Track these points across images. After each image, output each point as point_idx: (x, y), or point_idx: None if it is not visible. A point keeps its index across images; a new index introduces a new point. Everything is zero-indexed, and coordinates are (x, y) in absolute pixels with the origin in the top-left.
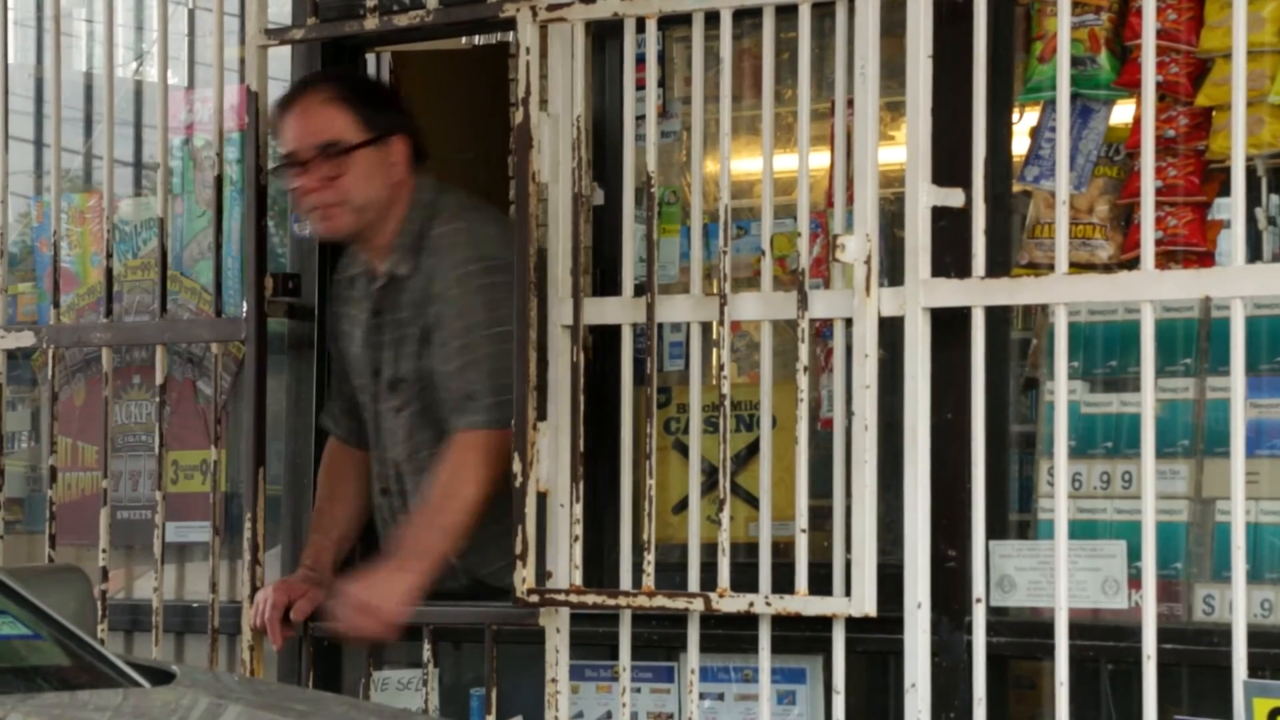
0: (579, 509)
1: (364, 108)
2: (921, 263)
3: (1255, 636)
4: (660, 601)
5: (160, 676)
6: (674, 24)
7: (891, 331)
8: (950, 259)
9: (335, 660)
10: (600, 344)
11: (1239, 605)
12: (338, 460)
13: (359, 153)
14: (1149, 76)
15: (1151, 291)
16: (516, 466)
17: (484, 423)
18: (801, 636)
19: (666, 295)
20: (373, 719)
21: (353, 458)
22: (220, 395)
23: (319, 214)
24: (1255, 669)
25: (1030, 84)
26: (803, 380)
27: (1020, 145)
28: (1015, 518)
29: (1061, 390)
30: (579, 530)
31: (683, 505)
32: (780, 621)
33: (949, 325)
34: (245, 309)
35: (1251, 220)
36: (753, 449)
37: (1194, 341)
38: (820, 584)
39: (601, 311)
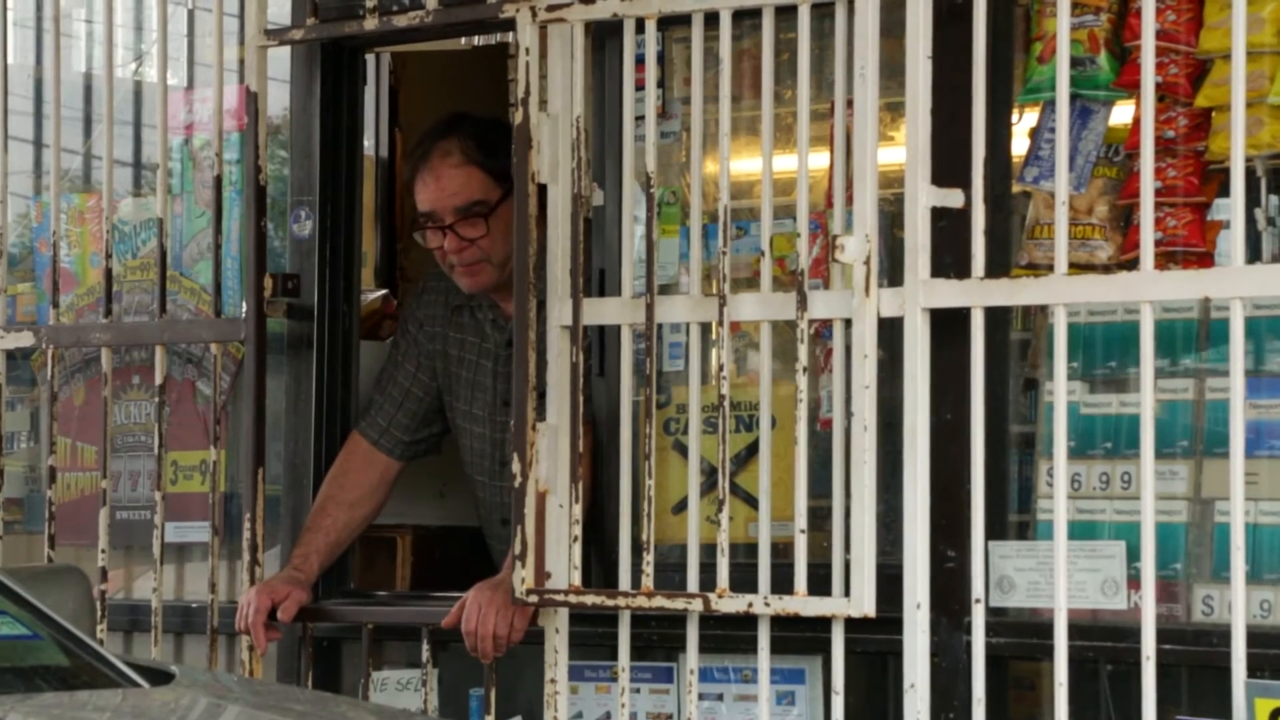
0: (578, 509)
1: (497, 163)
2: (921, 263)
3: (1254, 637)
4: (659, 602)
5: (159, 677)
6: (673, 24)
7: (891, 332)
8: (950, 259)
9: (335, 660)
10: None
11: (1238, 606)
12: (361, 466)
13: (501, 208)
14: (1148, 77)
15: (1151, 292)
16: (516, 467)
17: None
18: (801, 637)
19: (666, 296)
20: (372, 719)
21: (380, 468)
22: (219, 395)
23: (462, 270)
24: (1254, 669)
25: (1030, 85)
26: (802, 381)
27: (1020, 146)
28: (1014, 518)
29: (1061, 391)
30: (578, 531)
31: (682, 505)
32: (779, 622)
33: (948, 326)
34: (244, 309)
35: (1251, 221)
36: (752, 449)
37: (1193, 342)
38: (819, 584)
39: (601, 312)
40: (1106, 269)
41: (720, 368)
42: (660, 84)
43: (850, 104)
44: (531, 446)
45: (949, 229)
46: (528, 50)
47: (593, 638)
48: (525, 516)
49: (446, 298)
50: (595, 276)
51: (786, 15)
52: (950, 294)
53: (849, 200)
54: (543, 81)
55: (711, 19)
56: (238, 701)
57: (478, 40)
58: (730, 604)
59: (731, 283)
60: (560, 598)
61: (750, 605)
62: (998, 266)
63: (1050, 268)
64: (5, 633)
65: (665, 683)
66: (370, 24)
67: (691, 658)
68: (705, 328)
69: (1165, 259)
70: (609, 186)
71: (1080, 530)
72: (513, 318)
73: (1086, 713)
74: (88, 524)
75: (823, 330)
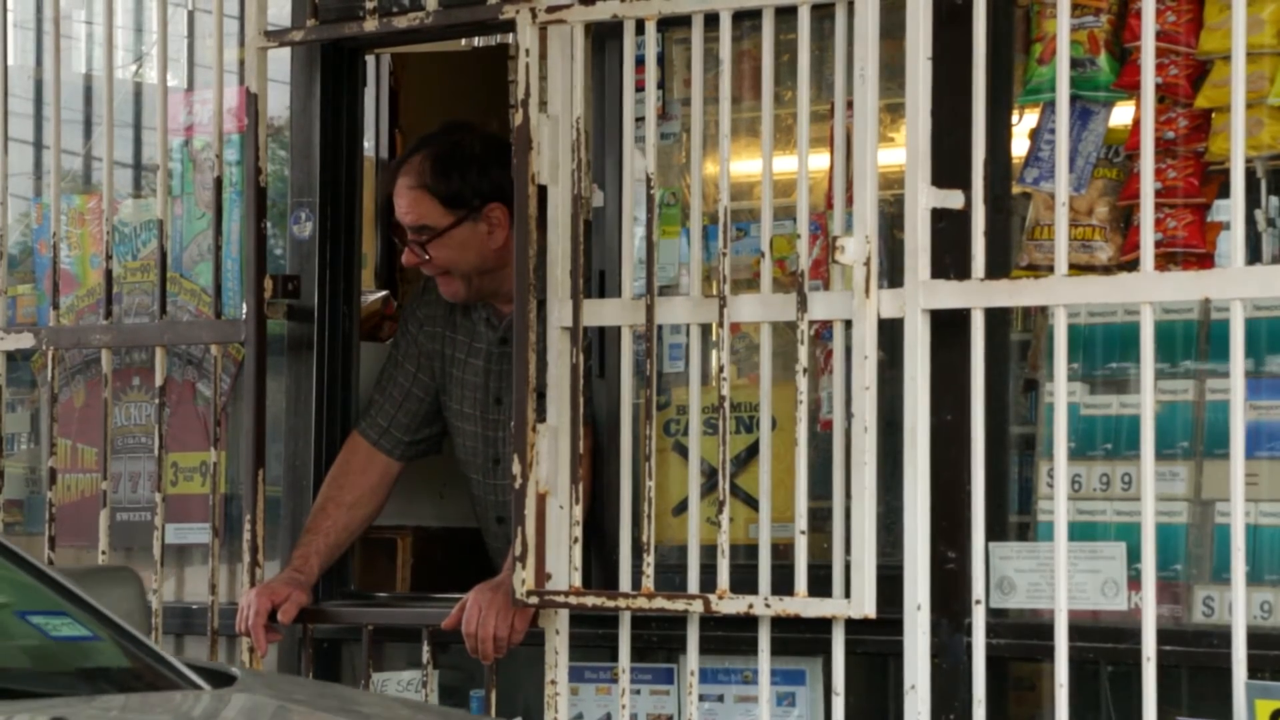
0: (578, 510)
1: (449, 188)
2: (921, 264)
3: (1255, 638)
4: (660, 603)
5: (220, 679)
6: (673, 26)
7: (891, 333)
8: (950, 260)
9: (335, 662)
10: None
11: (1239, 607)
12: (361, 467)
13: (449, 233)
14: (1148, 78)
15: (1151, 293)
16: (516, 468)
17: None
18: (801, 638)
19: (666, 297)
20: None
21: (380, 469)
22: (220, 397)
23: (436, 281)
24: (1255, 671)
25: (1030, 86)
26: (802, 382)
27: (1020, 147)
28: (1015, 519)
29: (1061, 392)
30: (578, 532)
31: (682, 507)
32: (780, 623)
33: (949, 327)
34: (245, 311)
35: (1251, 222)
36: (752, 450)
37: (1193, 343)
38: (820, 585)
39: (601, 313)
40: (1107, 270)
41: (720, 369)
42: (660, 85)
43: (850, 105)
44: (532, 448)
45: (949, 230)
46: (528, 51)
47: (593, 639)
48: (525, 518)
49: (440, 302)
50: (595, 278)
51: (786, 16)
52: (950, 295)
53: (849, 201)
54: (543, 83)
55: (711, 20)
56: (304, 704)
57: (478, 41)
58: (731, 605)
59: (732, 284)
60: (560, 599)
61: (751, 606)
62: (998, 268)
63: (1050, 269)
64: (67, 634)
65: (666, 684)
66: (370, 25)
67: (692, 659)
68: (705, 329)
69: (1165, 260)
70: (609, 188)
71: (1080, 531)
72: (509, 317)
73: (1087, 714)
74: (87, 525)
75: (823, 331)
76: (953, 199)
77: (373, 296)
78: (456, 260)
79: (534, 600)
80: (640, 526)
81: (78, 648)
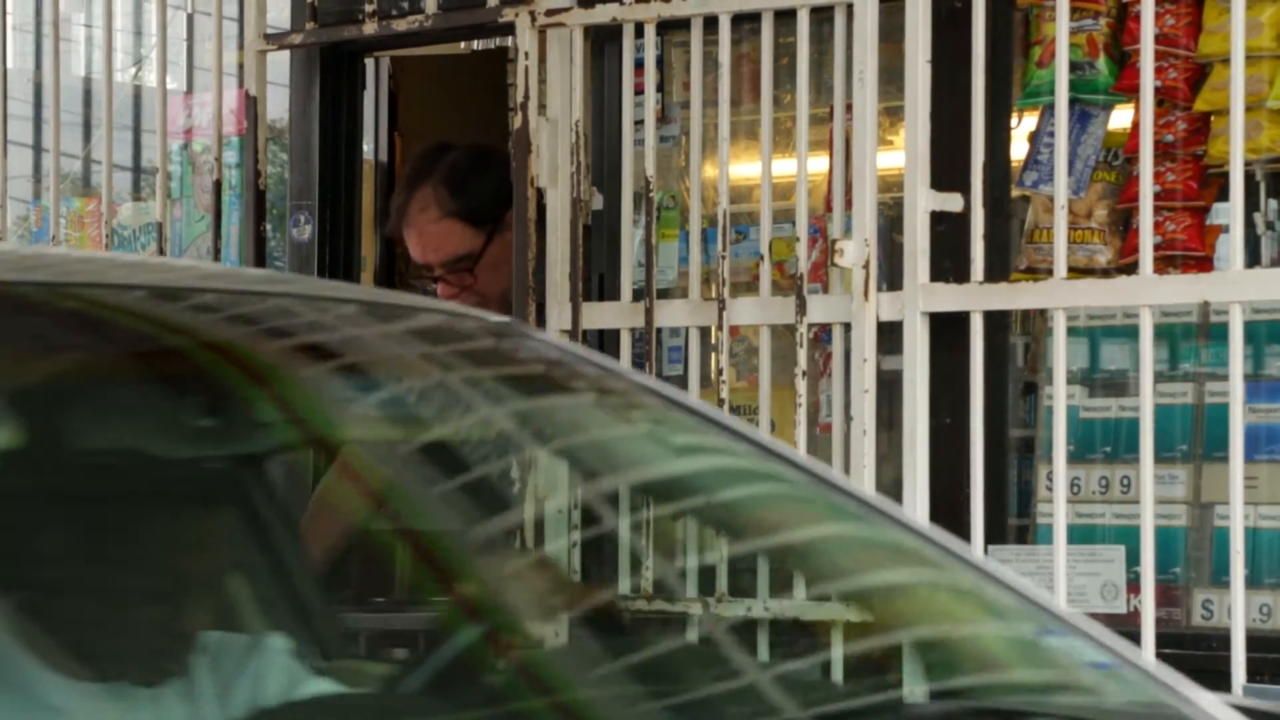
0: (577, 513)
1: (471, 204)
2: (920, 267)
3: (1254, 641)
4: (659, 605)
5: None
6: (672, 29)
7: (890, 336)
8: (949, 264)
9: None
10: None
11: (1238, 610)
12: None
13: (486, 253)
14: (1147, 81)
15: (1150, 296)
16: None
17: None
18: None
19: (665, 300)
20: None
21: None
22: None
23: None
24: (1254, 674)
25: (1029, 89)
26: (801, 385)
27: (1019, 150)
28: (1014, 522)
29: (1060, 395)
30: (577, 535)
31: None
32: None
33: (948, 330)
34: None
35: (1250, 225)
36: None
37: (1193, 346)
38: None
39: (600, 316)
40: (1106, 273)
41: (719, 371)
42: (659, 88)
43: (849, 108)
44: None
45: (948, 233)
46: (527, 55)
47: None
48: None
49: None
50: (594, 281)
51: (785, 20)
52: (949, 298)
53: (848, 204)
54: (542, 86)
55: (710, 23)
56: None
57: (477, 45)
58: (729, 608)
59: (731, 287)
60: None
61: (749, 610)
62: (997, 270)
63: (1049, 272)
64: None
65: None
66: (369, 28)
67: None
68: (704, 332)
69: (1164, 263)
70: (608, 191)
71: (1080, 534)
72: None
73: None
74: None
75: (822, 334)
76: (952, 202)
77: None
78: (496, 282)
79: None
80: (639, 528)
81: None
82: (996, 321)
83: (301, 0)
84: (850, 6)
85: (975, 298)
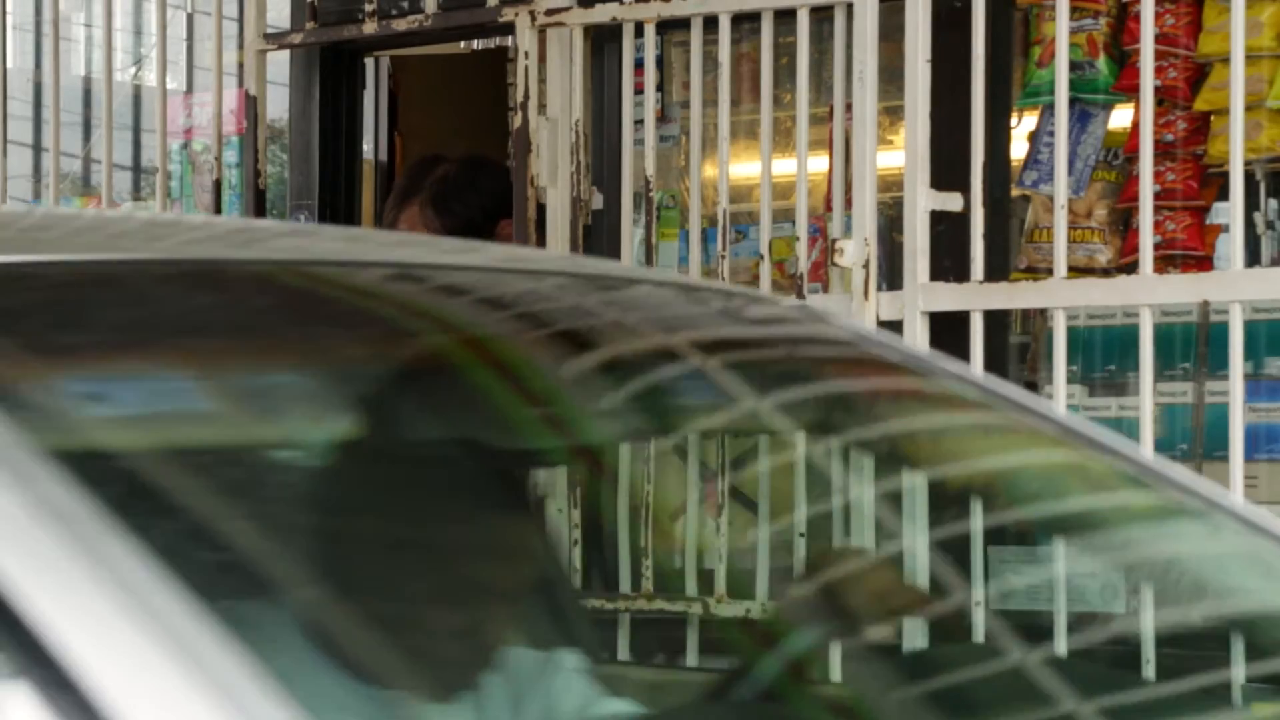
0: (577, 513)
1: (455, 220)
2: (920, 267)
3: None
4: (659, 605)
5: None
6: (672, 28)
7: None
8: (949, 263)
9: None
10: None
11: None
12: None
13: None
14: (1147, 81)
15: (1150, 295)
16: None
17: None
18: None
19: None
20: None
21: None
22: None
23: None
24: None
25: (1029, 88)
26: None
27: (1019, 150)
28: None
29: (1060, 394)
30: (578, 534)
31: (682, 509)
32: None
33: (948, 329)
34: None
35: (1250, 225)
36: (752, 452)
37: (1193, 346)
38: None
39: None
40: (1106, 272)
41: None
42: (659, 88)
43: (849, 108)
44: None
45: (948, 233)
46: (526, 54)
47: None
48: None
49: None
50: None
51: (785, 19)
52: (949, 298)
53: (848, 204)
54: (541, 85)
55: (710, 23)
56: None
57: (477, 44)
58: (729, 608)
59: None
60: None
61: (749, 610)
62: (997, 270)
63: (1049, 271)
64: None
65: None
66: (369, 28)
67: (691, 661)
68: None
69: (1164, 263)
70: (608, 191)
71: None
72: None
73: None
74: None
75: None
76: (952, 201)
77: None
78: None
79: None
80: (639, 529)
81: None
82: (996, 321)
83: (301, 0)
84: (850, 6)
85: (975, 297)
